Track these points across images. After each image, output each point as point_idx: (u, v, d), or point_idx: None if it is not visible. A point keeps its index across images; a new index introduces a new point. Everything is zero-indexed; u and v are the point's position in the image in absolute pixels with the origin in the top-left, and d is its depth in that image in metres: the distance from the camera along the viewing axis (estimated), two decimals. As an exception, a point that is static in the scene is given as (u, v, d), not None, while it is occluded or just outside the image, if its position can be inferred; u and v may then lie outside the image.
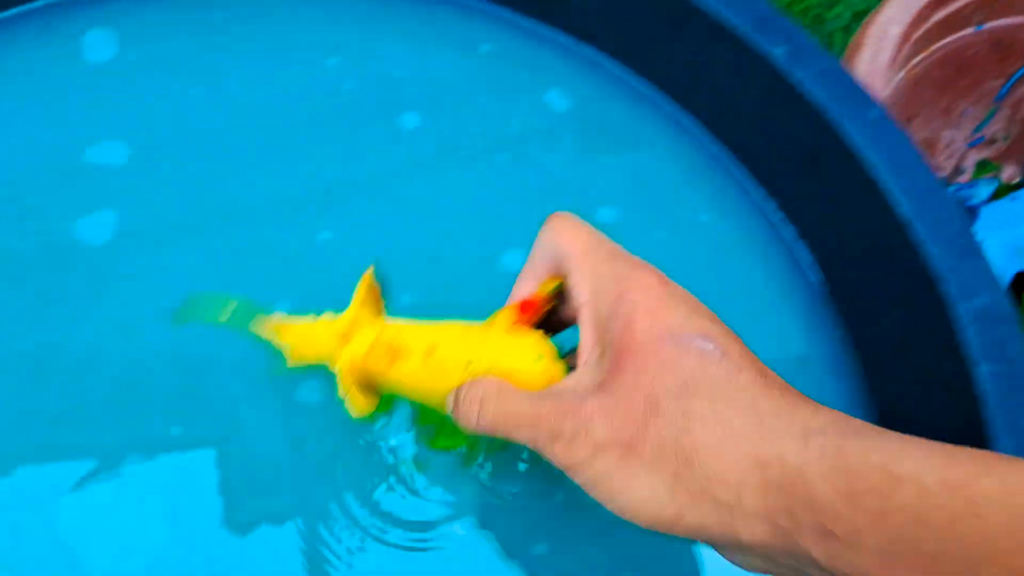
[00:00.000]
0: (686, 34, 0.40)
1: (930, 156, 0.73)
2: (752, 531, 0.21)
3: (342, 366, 0.29)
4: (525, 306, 0.28)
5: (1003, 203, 0.73)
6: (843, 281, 0.39)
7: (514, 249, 0.38)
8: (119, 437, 0.33)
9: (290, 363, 0.30)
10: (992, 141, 0.73)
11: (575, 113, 0.43)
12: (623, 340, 0.24)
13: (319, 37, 0.43)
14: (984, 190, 0.71)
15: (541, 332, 0.28)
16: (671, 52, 0.42)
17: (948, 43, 0.60)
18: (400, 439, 0.34)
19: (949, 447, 0.20)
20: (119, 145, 0.39)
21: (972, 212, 0.73)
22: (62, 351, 0.34)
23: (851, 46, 0.53)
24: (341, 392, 0.30)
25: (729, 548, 0.22)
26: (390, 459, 0.34)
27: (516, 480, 0.34)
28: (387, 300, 0.31)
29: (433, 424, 0.33)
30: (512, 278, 0.29)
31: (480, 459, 0.34)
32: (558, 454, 0.24)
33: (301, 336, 0.30)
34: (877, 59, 0.49)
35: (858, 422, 0.21)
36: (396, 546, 0.32)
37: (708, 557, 0.33)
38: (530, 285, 0.28)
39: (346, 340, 0.29)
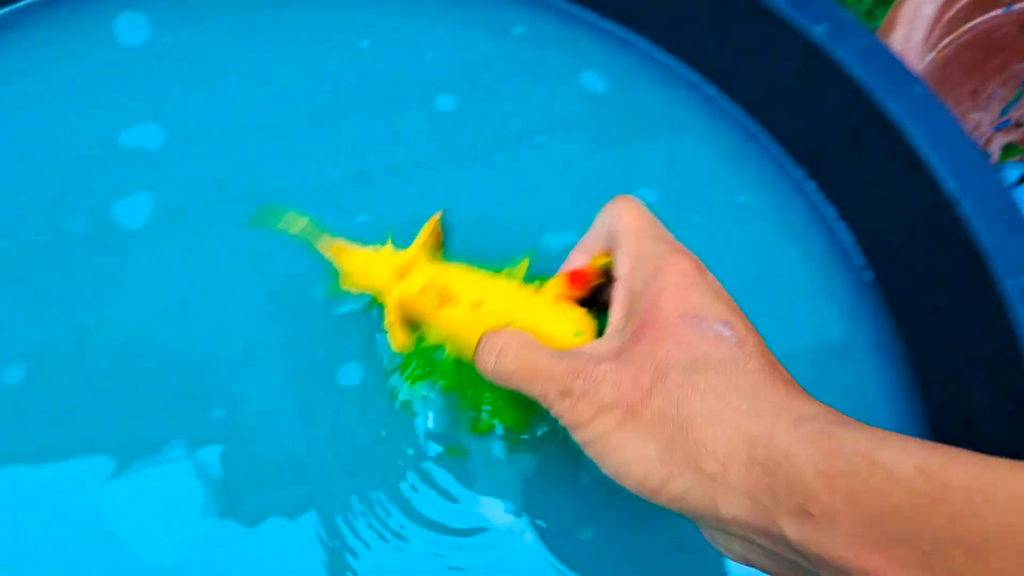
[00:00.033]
0: (724, 13, 0.40)
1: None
2: (731, 505, 0.22)
3: (392, 300, 0.30)
4: (575, 276, 0.29)
5: (1029, 187, 0.72)
6: (886, 261, 0.39)
7: (551, 232, 0.38)
8: (159, 427, 0.33)
9: (343, 286, 0.32)
10: (1019, 124, 0.72)
11: (611, 94, 0.42)
12: (647, 315, 0.25)
13: (352, 19, 0.43)
14: (1012, 173, 0.70)
15: (585, 309, 0.28)
16: (708, 32, 0.42)
17: (978, 24, 0.59)
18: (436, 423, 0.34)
19: (932, 443, 0.20)
20: (154, 128, 0.39)
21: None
22: (104, 331, 0.34)
23: (883, 26, 0.52)
24: (386, 324, 0.31)
25: (708, 522, 0.23)
26: (423, 450, 0.33)
27: (538, 462, 0.34)
28: (446, 248, 0.32)
29: (476, 409, 0.33)
30: (551, 260, 0.29)
31: (526, 435, 0.34)
32: (565, 411, 0.25)
33: (360, 263, 0.31)
34: (911, 39, 0.48)
35: (850, 417, 0.22)
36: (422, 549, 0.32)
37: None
38: (583, 258, 0.29)
39: (401, 276, 0.30)
